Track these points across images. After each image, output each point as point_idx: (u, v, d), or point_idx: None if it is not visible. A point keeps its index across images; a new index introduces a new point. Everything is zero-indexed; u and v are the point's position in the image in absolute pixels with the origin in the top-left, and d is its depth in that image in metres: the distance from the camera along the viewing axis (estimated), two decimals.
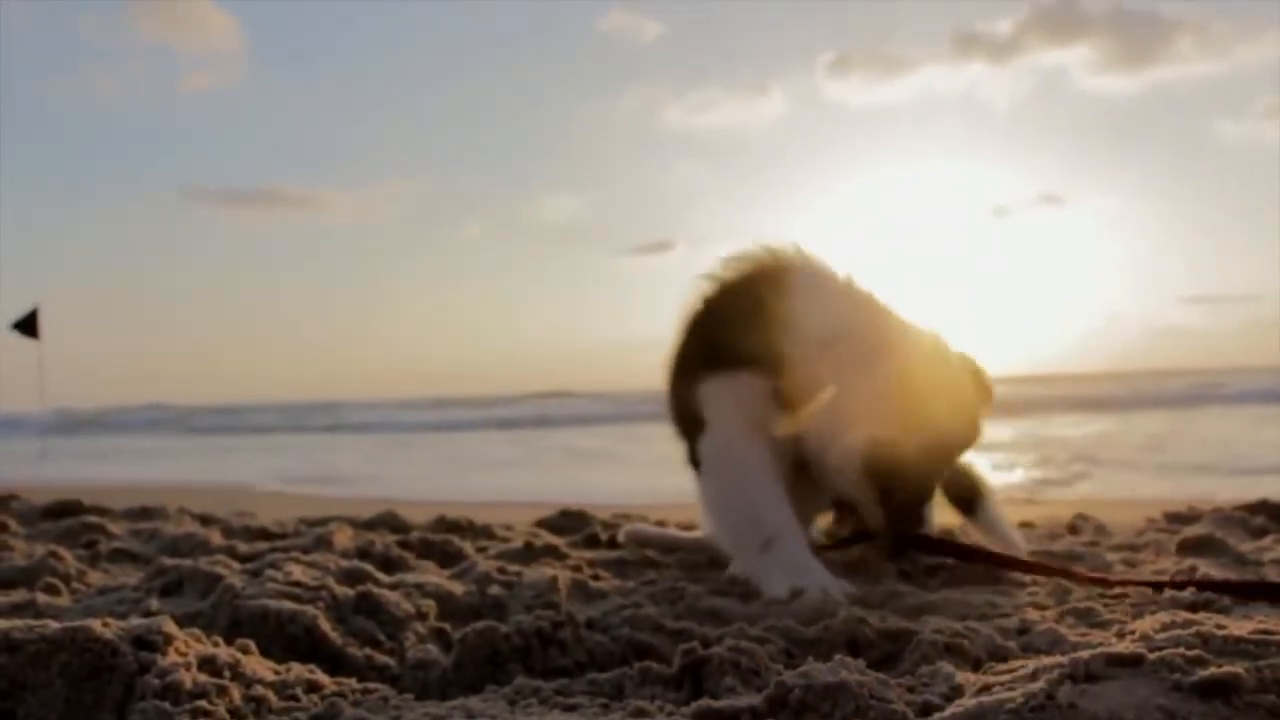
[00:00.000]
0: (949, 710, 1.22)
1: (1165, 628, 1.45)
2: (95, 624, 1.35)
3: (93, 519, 3.20)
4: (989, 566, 2.25)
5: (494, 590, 2.11)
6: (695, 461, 2.29)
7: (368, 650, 1.75)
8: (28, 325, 12.68)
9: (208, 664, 1.37)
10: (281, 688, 1.41)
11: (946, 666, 1.43)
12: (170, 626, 1.42)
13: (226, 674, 1.37)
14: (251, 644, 1.56)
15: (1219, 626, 1.38)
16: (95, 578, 2.38)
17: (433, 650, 1.77)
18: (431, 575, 2.30)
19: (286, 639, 1.71)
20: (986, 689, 1.27)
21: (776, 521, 2.07)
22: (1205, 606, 1.80)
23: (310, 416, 24.42)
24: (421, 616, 1.91)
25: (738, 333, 2.18)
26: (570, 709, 1.35)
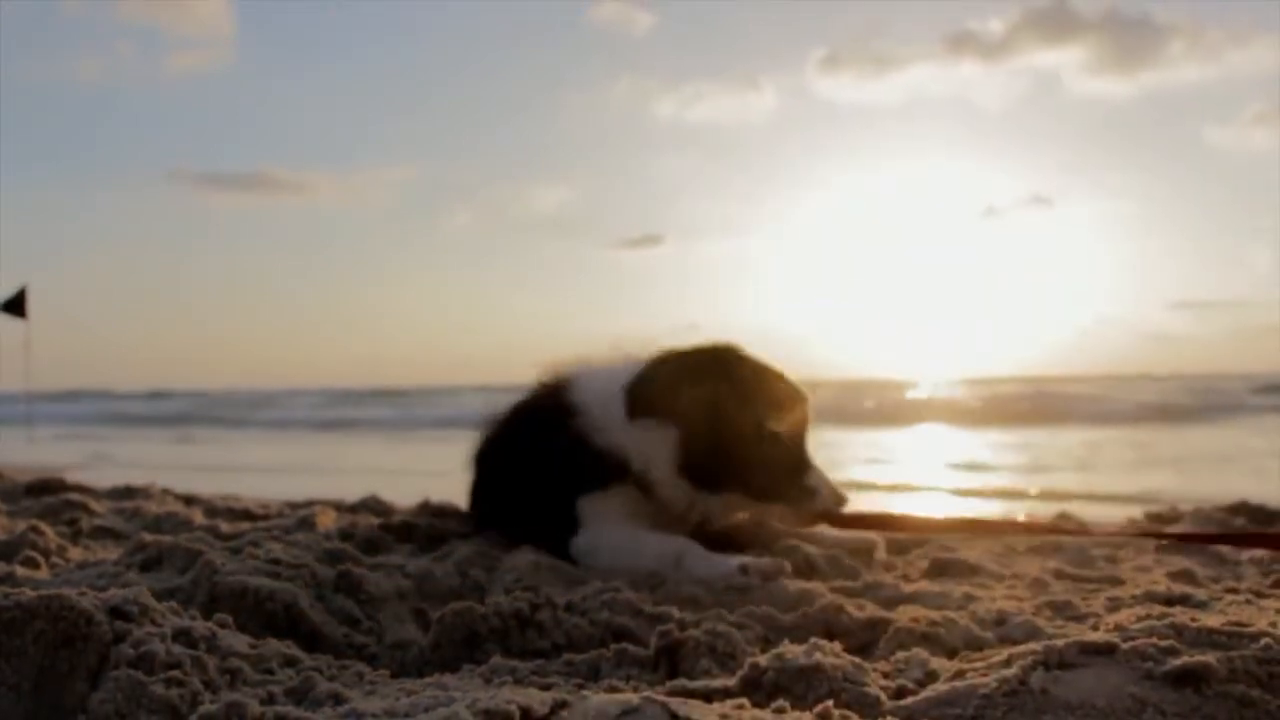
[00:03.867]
0: (923, 694, 1.23)
1: (1140, 619, 1.46)
2: (71, 593, 1.34)
3: (75, 497, 3.18)
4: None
5: (474, 573, 2.11)
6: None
7: (346, 629, 1.75)
8: (15, 305, 12.62)
9: (183, 636, 1.37)
10: (257, 661, 1.40)
11: (922, 653, 1.44)
12: (146, 598, 1.42)
13: (202, 646, 1.37)
14: (229, 619, 1.56)
15: (1193, 619, 1.39)
16: (76, 553, 2.37)
17: (411, 630, 1.77)
18: (413, 558, 2.30)
19: (265, 615, 1.71)
20: (961, 675, 1.28)
21: (675, 541, 2.26)
22: (1181, 601, 1.81)
23: (252, 406, 24.10)
24: (401, 597, 1.91)
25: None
26: (545, 688, 1.35)
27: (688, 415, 2.33)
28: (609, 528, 2.34)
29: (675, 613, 1.72)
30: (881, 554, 2.43)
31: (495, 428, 2.71)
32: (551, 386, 2.57)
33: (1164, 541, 2.13)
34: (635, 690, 1.31)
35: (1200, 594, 1.87)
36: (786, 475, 2.39)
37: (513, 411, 2.69)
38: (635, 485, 2.37)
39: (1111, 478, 6.89)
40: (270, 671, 1.39)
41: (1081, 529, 2.27)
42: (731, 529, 2.48)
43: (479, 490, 2.73)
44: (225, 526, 2.73)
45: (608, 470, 2.37)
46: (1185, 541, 2.12)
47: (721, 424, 2.32)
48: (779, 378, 2.44)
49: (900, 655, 1.43)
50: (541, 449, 2.48)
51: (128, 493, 3.61)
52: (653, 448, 2.35)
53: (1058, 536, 2.71)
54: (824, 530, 2.50)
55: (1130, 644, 1.26)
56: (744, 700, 1.20)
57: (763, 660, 1.28)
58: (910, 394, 22.83)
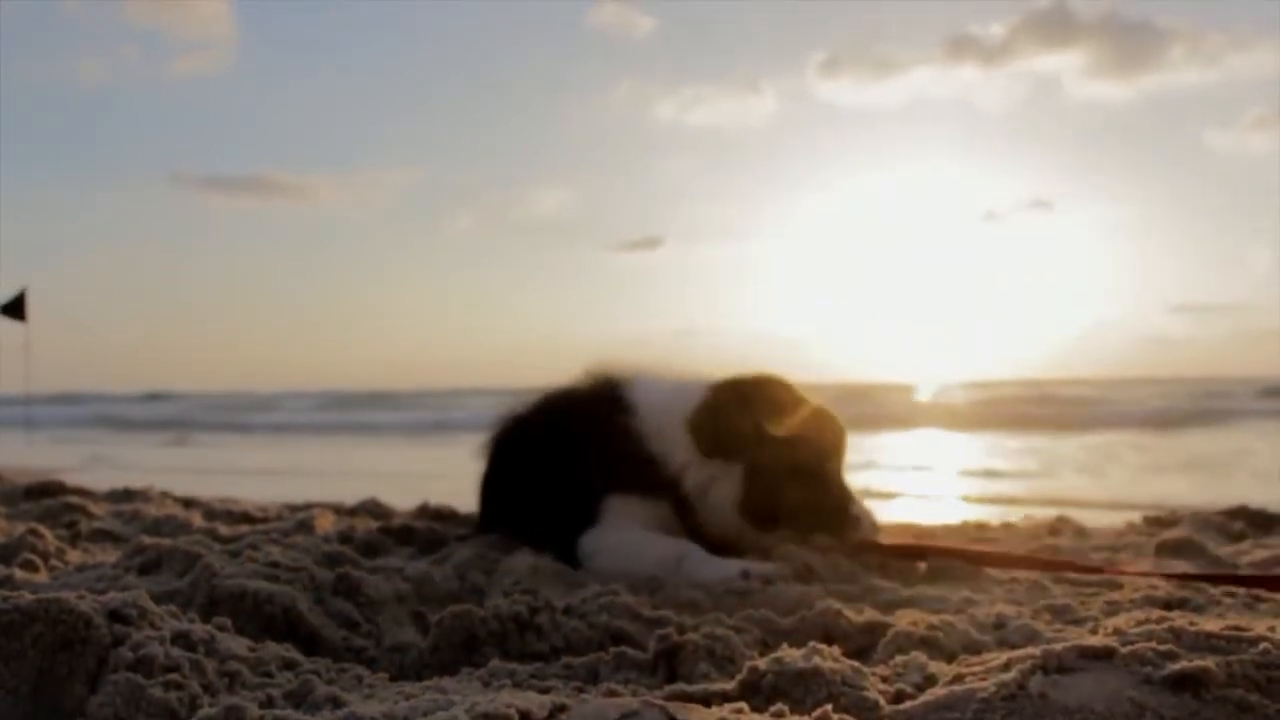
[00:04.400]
0: (921, 698, 1.23)
1: (1139, 623, 1.45)
2: (70, 596, 1.34)
3: (74, 499, 3.18)
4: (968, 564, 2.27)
5: (473, 576, 2.11)
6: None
7: (345, 632, 1.75)
8: (15, 308, 12.62)
9: (182, 639, 1.37)
10: (256, 664, 1.40)
11: (921, 657, 1.43)
12: (145, 601, 1.42)
13: (201, 649, 1.37)
14: (228, 622, 1.56)
15: (1191, 623, 1.39)
16: (75, 556, 2.37)
17: (410, 633, 1.77)
18: (411, 561, 2.30)
19: (264, 618, 1.71)
20: (959, 679, 1.28)
21: (677, 544, 2.28)
22: (1180, 605, 1.81)
23: (251, 408, 23.90)
24: (400, 600, 1.91)
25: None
26: (544, 691, 1.35)
27: (754, 457, 2.36)
28: (618, 529, 2.34)
29: (674, 616, 1.73)
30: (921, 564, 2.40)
31: (525, 416, 2.69)
32: (606, 384, 2.56)
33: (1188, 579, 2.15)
34: (634, 694, 1.32)
35: (1199, 598, 1.87)
36: (835, 506, 2.44)
37: (551, 401, 2.67)
38: (674, 502, 2.38)
39: (1111, 482, 6.89)
40: (269, 674, 1.39)
41: (1152, 572, 2.27)
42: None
43: (492, 483, 2.71)
44: (224, 529, 2.73)
45: (652, 477, 2.38)
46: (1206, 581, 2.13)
47: (786, 466, 2.36)
48: (826, 413, 2.47)
49: (899, 659, 1.43)
50: (583, 438, 2.47)
51: (126, 495, 3.61)
52: (717, 485, 2.37)
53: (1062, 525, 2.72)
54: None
55: (1129, 648, 1.26)
56: (743, 704, 1.20)
57: (761, 664, 1.28)
58: (910, 398, 22.82)
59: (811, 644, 1.33)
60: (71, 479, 3.84)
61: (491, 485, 2.72)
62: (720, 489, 2.37)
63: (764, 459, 2.35)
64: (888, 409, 17.83)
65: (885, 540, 2.47)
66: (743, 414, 2.37)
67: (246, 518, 3.18)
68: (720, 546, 2.33)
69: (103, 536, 2.72)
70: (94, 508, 3.11)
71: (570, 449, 2.48)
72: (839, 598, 1.95)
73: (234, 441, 14.58)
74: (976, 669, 1.30)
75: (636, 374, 2.57)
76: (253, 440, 14.94)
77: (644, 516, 2.36)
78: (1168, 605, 1.80)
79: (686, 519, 2.38)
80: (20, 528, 2.48)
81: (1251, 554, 2.49)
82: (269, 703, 1.28)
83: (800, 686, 1.24)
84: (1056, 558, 2.51)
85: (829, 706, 1.18)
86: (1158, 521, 3.24)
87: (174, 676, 1.27)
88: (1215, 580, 2.05)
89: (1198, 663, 1.19)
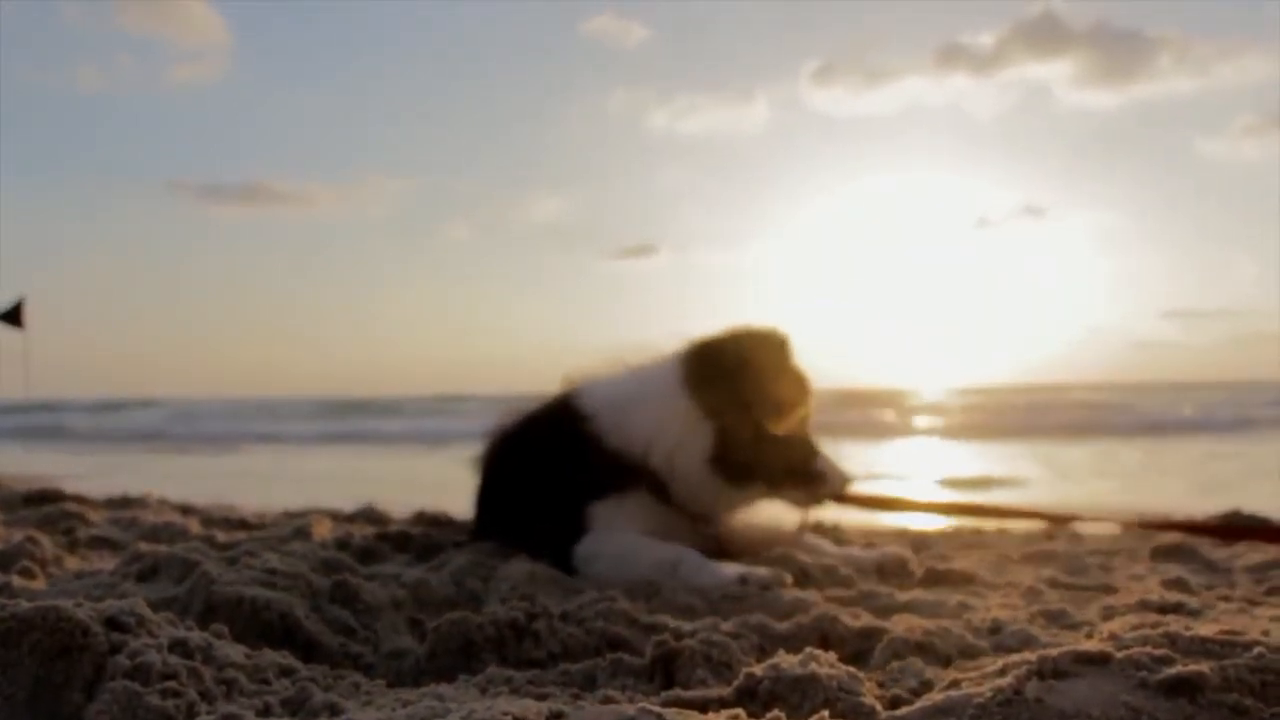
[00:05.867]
0: (917, 704, 1.23)
1: (1134, 628, 1.46)
2: (67, 604, 1.34)
3: (72, 506, 3.18)
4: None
5: (470, 583, 2.11)
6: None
7: (342, 639, 1.75)
8: (12, 316, 12.61)
9: (179, 646, 1.37)
10: (254, 671, 1.40)
11: (917, 662, 1.44)
12: (143, 608, 1.42)
13: (198, 656, 1.37)
14: (225, 629, 1.56)
15: (1186, 627, 1.39)
16: (72, 563, 2.38)
17: (407, 639, 1.78)
18: (409, 567, 2.30)
19: (261, 625, 1.71)
20: (955, 685, 1.28)
21: (674, 549, 2.28)
22: (1175, 610, 1.81)
23: (250, 415, 23.67)
24: (397, 606, 1.91)
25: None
26: (541, 698, 1.36)
27: (727, 411, 2.38)
28: (611, 534, 2.35)
29: (670, 622, 1.73)
30: (915, 566, 2.41)
31: (505, 435, 2.74)
32: (561, 396, 2.61)
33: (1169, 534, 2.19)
34: (631, 700, 1.32)
35: (1194, 602, 1.87)
36: (801, 463, 2.45)
37: (523, 420, 2.72)
38: (650, 489, 2.40)
39: (1107, 487, 6.90)
40: (266, 682, 1.39)
41: (1077, 516, 2.33)
42: (727, 537, 2.50)
43: (486, 496, 2.74)
44: (222, 536, 2.73)
45: (622, 474, 2.41)
46: (1188, 532, 2.16)
47: (756, 419, 2.37)
48: (794, 367, 2.48)
49: (895, 664, 1.44)
50: (553, 455, 2.52)
51: (124, 502, 3.62)
52: (687, 444, 2.38)
53: (1056, 528, 2.76)
54: (854, 551, 2.51)
55: (1124, 653, 1.26)
56: (739, 710, 1.21)
57: (758, 670, 1.29)
58: (905, 404, 22.81)
59: (808, 650, 1.34)
60: (69, 486, 3.84)
61: (484, 499, 2.76)
62: (689, 450, 2.38)
63: (739, 414, 2.38)
64: (883, 415, 17.83)
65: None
66: (720, 373, 2.41)
67: (244, 524, 3.18)
68: (716, 550, 2.34)
69: (100, 543, 2.72)
70: (92, 515, 3.11)
71: (544, 466, 2.54)
72: (835, 603, 1.96)
73: (231, 448, 14.56)
74: (972, 674, 1.30)
75: (585, 379, 2.62)
76: (250, 447, 14.91)
77: (629, 515, 2.39)
78: (1162, 609, 1.81)
79: (666, 499, 2.41)
80: (18, 534, 2.48)
81: (1245, 557, 2.49)
82: (266, 710, 1.28)
83: (797, 692, 1.25)
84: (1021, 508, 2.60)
85: (825, 712, 1.18)
86: (1152, 526, 3.25)
87: (171, 684, 1.27)
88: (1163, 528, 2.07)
89: (1193, 667, 1.20)
